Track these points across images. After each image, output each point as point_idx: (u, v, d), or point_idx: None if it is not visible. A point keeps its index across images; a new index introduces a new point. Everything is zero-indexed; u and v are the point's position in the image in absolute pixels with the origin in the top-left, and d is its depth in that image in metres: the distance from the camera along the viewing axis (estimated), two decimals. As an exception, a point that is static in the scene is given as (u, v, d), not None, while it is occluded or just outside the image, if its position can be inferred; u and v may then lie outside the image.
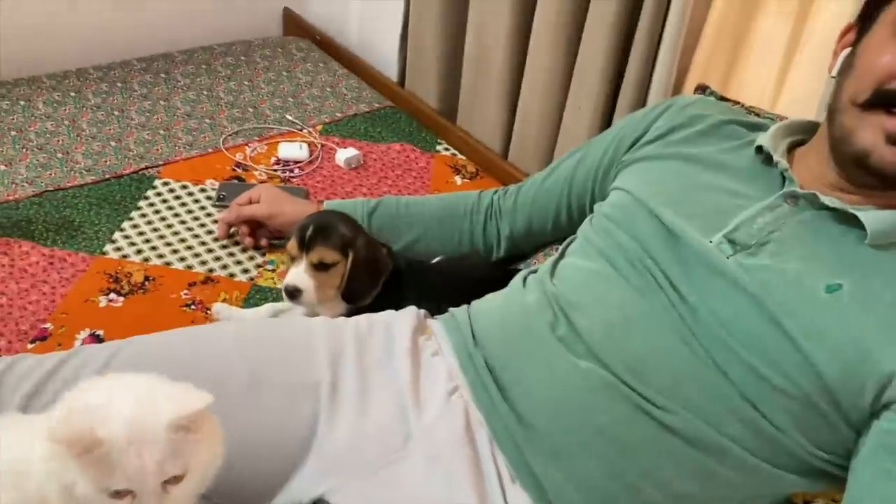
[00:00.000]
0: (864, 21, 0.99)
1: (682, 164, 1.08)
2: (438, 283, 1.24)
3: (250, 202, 1.40)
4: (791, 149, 1.07)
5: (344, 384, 0.99)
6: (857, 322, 0.89)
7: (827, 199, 0.96)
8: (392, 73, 2.07)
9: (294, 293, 1.17)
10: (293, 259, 1.20)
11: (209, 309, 1.29)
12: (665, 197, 1.04)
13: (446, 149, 1.81)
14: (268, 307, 1.29)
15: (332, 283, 1.19)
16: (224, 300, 1.31)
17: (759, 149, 1.04)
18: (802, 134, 1.08)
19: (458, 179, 1.71)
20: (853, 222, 0.94)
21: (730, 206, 1.00)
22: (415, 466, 0.92)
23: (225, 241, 1.43)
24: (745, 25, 1.34)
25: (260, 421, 0.94)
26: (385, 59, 2.09)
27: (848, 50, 0.99)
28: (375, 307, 1.16)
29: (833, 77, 1.00)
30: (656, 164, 1.11)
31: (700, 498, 0.95)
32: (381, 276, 1.22)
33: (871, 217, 0.93)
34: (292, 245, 1.20)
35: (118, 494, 0.68)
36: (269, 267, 1.40)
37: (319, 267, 1.18)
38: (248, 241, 1.42)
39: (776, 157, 1.01)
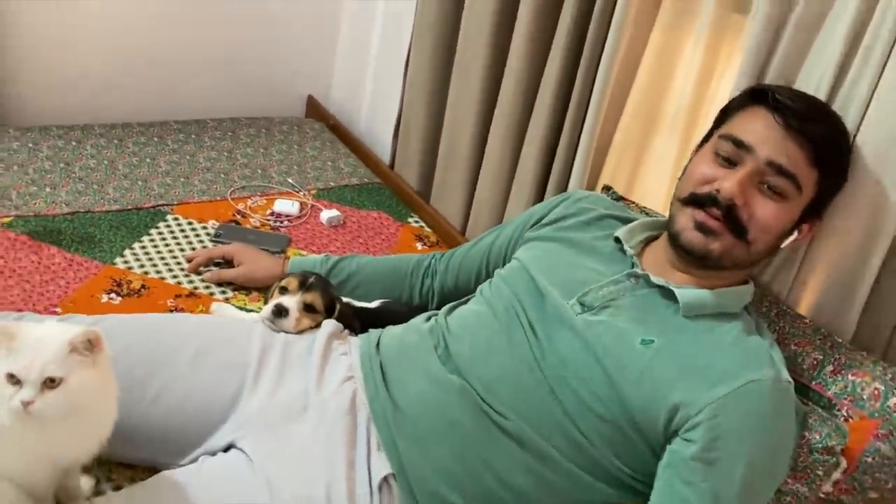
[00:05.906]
0: (703, 141, 1.31)
1: (562, 246, 1.38)
2: (378, 324, 1.47)
3: (223, 257, 1.72)
4: (652, 240, 1.37)
5: (266, 368, 1.27)
6: (660, 367, 1.16)
7: (655, 279, 1.25)
8: (386, 157, 2.44)
9: (282, 312, 1.38)
10: (286, 292, 1.43)
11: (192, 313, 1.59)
12: (543, 267, 1.34)
13: (416, 221, 2.13)
14: (255, 315, 1.51)
15: (309, 322, 1.42)
16: (201, 310, 1.62)
17: (617, 239, 1.33)
18: (661, 229, 1.37)
19: (419, 245, 2.02)
20: (674, 297, 1.22)
21: (588, 279, 1.29)
22: (305, 427, 1.20)
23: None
24: (645, 141, 1.66)
25: (196, 386, 1.23)
26: (382, 146, 2.46)
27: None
28: None
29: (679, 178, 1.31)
30: (545, 244, 1.41)
31: (534, 496, 1.19)
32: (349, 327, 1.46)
33: (684, 294, 1.22)
34: (291, 282, 1.44)
35: (11, 378, 0.92)
36: (243, 292, 1.70)
37: (307, 308, 1.42)
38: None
39: (626, 247, 1.31)
